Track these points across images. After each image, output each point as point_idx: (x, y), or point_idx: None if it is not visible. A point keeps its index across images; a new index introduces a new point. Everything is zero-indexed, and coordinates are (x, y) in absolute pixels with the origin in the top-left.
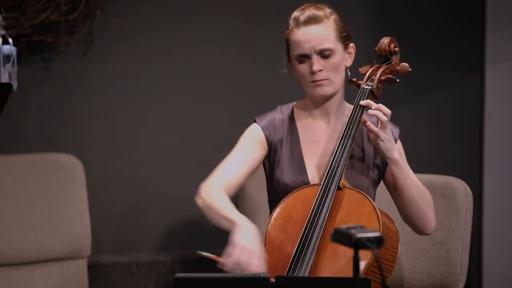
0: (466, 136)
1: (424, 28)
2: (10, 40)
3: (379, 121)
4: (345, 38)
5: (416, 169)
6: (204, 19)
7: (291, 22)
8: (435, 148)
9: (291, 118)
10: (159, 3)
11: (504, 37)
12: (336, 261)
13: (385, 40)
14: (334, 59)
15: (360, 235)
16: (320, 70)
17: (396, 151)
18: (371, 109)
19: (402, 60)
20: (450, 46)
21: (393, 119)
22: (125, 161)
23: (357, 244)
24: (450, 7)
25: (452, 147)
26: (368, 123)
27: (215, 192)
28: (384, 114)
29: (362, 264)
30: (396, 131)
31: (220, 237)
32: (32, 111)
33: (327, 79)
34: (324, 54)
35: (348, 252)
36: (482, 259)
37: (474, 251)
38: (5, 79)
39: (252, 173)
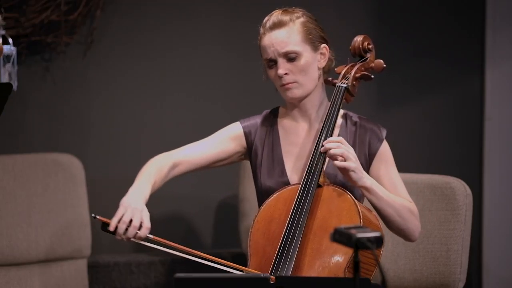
0: (466, 136)
1: (424, 27)
2: (10, 40)
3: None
4: (313, 40)
5: (416, 169)
6: (204, 20)
7: (260, 28)
8: (435, 148)
9: (274, 121)
10: (159, 3)
11: (504, 37)
12: (320, 258)
13: (358, 38)
14: (300, 62)
15: (360, 235)
16: (286, 74)
17: (367, 178)
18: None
19: (402, 60)
20: (450, 46)
21: (393, 119)
22: (125, 161)
23: (357, 244)
24: (450, 7)
25: (452, 147)
26: (336, 162)
27: (156, 160)
28: (338, 153)
29: (344, 259)
30: (383, 133)
31: (220, 237)
32: (32, 111)
33: (295, 82)
34: (289, 57)
35: (331, 248)
36: (482, 259)
37: (474, 251)
38: (5, 79)
39: (218, 163)
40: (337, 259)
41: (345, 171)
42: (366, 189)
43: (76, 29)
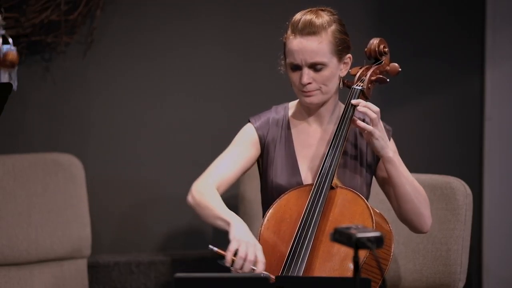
0: (466, 136)
1: (424, 28)
2: (10, 40)
3: (370, 119)
4: (341, 51)
5: (416, 169)
6: (204, 19)
7: (290, 26)
8: (435, 148)
9: (286, 119)
10: (159, 3)
11: (504, 37)
12: (330, 260)
13: (374, 41)
14: (325, 72)
15: (360, 235)
16: (309, 83)
17: (390, 149)
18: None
19: (402, 60)
20: (450, 46)
21: (392, 119)
22: (125, 161)
23: (357, 244)
24: (450, 7)
25: (452, 147)
26: (360, 122)
27: (206, 191)
28: (373, 111)
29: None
30: (389, 132)
31: (220, 237)
32: (32, 111)
33: (317, 90)
34: (316, 68)
35: (342, 251)
36: (482, 259)
37: (474, 251)
38: (5, 79)
39: (244, 172)
40: (348, 262)
41: (369, 136)
42: (388, 159)
43: (76, 29)
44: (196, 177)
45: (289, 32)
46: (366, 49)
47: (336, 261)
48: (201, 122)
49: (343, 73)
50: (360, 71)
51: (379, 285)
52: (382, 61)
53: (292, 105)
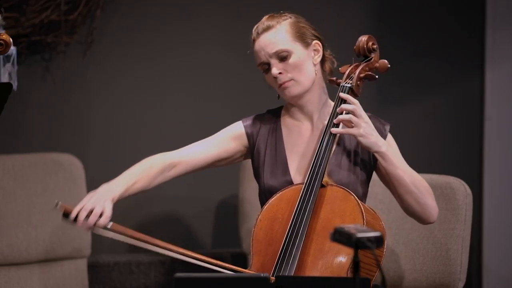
0: (466, 136)
1: (424, 28)
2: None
3: (351, 110)
4: (302, 36)
5: (416, 169)
6: (204, 20)
7: (251, 36)
8: (435, 148)
9: (277, 121)
10: (159, 3)
11: (504, 37)
12: (322, 258)
13: (363, 38)
14: (292, 59)
15: (360, 234)
16: (280, 73)
17: (382, 144)
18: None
19: (402, 60)
20: (450, 46)
21: (392, 119)
22: (125, 161)
23: (357, 244)
24: (450, 7)
25: (452, 147)
26: (340, 130)
27: (147, 160)
28: (352, 102)
29: (347, 260)
30: (386, 128)
31: (220, 237)
32: (32, 111)
33: (291, 79)
34: (280, 56)
35: (334, 248)
36: (482, 259)
37: (474, 251)
38: (5, 79)
39: (219, 162)
40: (340, 259)
41: (354, 137)
42: (380, 155)
43: (76, 29)
44: (196, 177)
45: (251, 41)
46: (354, 46)
47: (328, 258)
48: (201, 122)
49: (317, 60)
50: (349, 68)
51: (373, 281)
52: (371, 58)
53: (285, 107)
